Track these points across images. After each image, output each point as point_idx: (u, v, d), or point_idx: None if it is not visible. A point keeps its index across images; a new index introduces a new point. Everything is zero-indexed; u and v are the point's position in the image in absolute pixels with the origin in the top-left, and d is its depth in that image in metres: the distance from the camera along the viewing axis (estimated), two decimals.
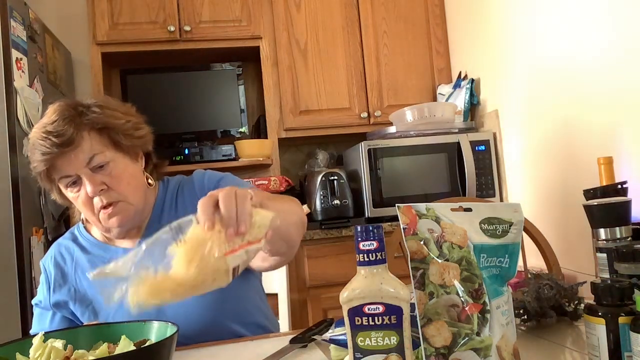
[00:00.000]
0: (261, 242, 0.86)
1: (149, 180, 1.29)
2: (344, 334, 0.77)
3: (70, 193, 1.18)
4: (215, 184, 1.27)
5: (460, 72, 2.98)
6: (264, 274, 1.50)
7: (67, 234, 1.34)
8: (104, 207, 1.16)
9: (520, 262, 1.07)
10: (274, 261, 1.18)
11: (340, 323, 0.90)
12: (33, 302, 1.30)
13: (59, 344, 0.83)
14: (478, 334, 0.68)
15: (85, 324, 1.22)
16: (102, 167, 1.16)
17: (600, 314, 0.72)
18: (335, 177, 2.69)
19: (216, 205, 0.83)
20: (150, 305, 0.78)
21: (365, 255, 0.66)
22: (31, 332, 1.28)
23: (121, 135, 1.19)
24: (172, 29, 2.76)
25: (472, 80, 2.85)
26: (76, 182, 1.16)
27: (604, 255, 1.03)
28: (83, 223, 1.34)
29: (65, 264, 1.27)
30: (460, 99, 2.86)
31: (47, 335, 0.85)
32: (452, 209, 0.73)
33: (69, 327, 1.14)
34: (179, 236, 0.81)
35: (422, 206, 0.73)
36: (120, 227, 1.20)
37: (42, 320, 1.27)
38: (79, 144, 1.13)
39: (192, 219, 0.83)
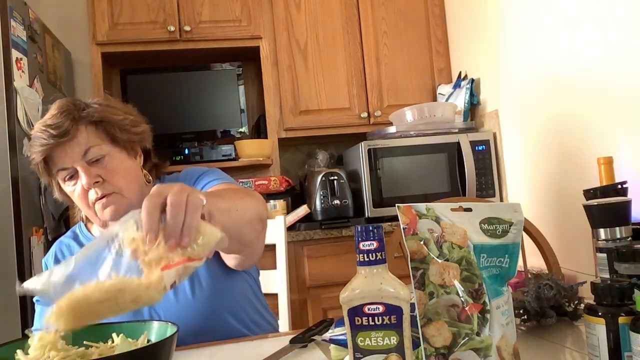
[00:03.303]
0: (202, 260, 0.79)
1: (147, 178, 1.29)
2: (344, 334, 0.77)
3: (67, 187, 1.20)
4: (195, 180, 1.27)
5: (460, 72, 2.98)
6: (263, 273, 1.51)
7: (68, 233, 1.36)
8: (99, 199, 1.17)
9: (520, 262, 1.07)
10: (234, 260, 1.19)
11: (340, 323, 0.90)
12: (34, 299, 1.31)
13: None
14: (478, 334, 0.68)
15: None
16: (98, 161, 1.18)
17: (600, 314, 0.72)
18: (335, 177, 2.69)
19: (163, 209, 0.78)
20: (75, 327, 0.73)
21: (365, 255, 0.66)
22: (32, 328, 1.29)
23: (117, 129, 1.21)
24: (172, 29, 2.76)
25: (472, 80, 2.85)
26: (73, 176, 1.18)
27: (604, 255, 1.02)
28: (84, 222, 1.35)
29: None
30: (460, 99, 2.86)
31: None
32: (452, 209, 0.73)
33: None
34: (115, 244, 0.76)
35: (422, 206, 0.72)
36: (114, 220, 1.20)
37: (43, 316, 1.28)
38: (75, 136, 1.16)
39: (133, 224, 0.77)
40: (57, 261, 1.29)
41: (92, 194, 1.17)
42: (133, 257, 0.77)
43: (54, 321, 0.73)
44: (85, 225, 1.35)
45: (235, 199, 1.02)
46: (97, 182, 1.16)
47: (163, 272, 0.75)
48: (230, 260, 1.20)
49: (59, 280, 0.74)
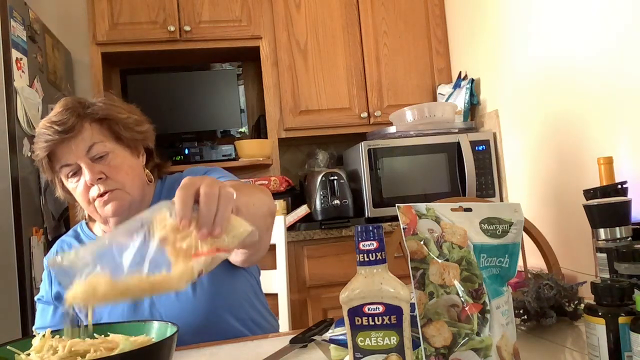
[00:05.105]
0: (230, 252, 0.80)
1: (149, 177, 1.30)
2: (344, 334, 0.77)
3: (70, 184, 1.20)
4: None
5: (460, 72, 2.98)
6: (263, 273, 1.51)
7: (70, 232, 1.37)
8: (100, 195, 1.18)
9: (520, 262, 1.07)
10: (242, 255, 1.19)
11: (340, 323, 0.90)
12: (36, 298, 1.33)
13: (57, 341, 0.83)
14: (478, 334, 0.68)
15: (85, 323, 1.23)
16: (101, 158, 1.19)
17: (600, 314, 0.72)
18: (335, 177, 2.69)
19: (196, 200, 0.80)
20: (88, 304, 0.75)
21: (365, 255, 0.66)
22: (34, 327, 1.30)
23: (121, 127, 1.22)
24: (172, 29, 2.76)
25: (472, 80, 2.85)
26: (76, 173, 1.19)
27: (604, 255, 1.02)
28: (86, 220, 1.35)
29: None
30: (460, 99, 2.86)
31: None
32: (452, 209, 0.73)
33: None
34: (145, 230, 0.77)
35: (422, 206, 0.72)
36: (115, 216, 1.21)
37: (44, 315, 1.29)
38: (80, 132, 1.17)
39: (166, 211, 0.79)
40: None
41: (95, 191, 1.17)
42: (162, 245, 0.78)
43: (77, 298, 0.75)
44: (87, 224, 1.35)
45: (250, 194, 1.04)
46: (100, 178, 1.17)
47: (192, 259, 0.76)
48: (238, 255, 1.20)
49: (87, 258, 0.76)
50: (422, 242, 0.71)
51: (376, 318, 0.65)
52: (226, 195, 0.81)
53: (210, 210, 0.79)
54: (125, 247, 0.77)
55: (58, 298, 1.27)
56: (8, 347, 0.81)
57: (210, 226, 0.78)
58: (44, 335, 0.83)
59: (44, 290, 1.29)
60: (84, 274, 0.75)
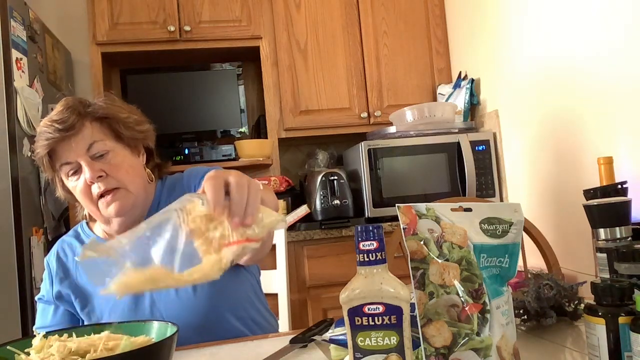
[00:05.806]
0: (259, 242, 0.82)
1: (150, 177, 1.30)
2: (344, 334, 0.77)
3: (70, 182, 1.20)
4: (201, 178, 1.28)
5: (460, 72, 2.98)
6: (263, 273, 1.51)
7: (70, 232, 1.36)
8: (103, 195, 1.18)
9: (520, 262, 1.07)
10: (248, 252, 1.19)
11: (340, 323, 0.90)
12: (36, 297, 1.33)
13: (57, 343, 0.83)
14: (478, 334, 0.68)
15: (86, 323, 1.23)
16: (102, 156, 1.19)
17: (600, 314, 0.72)
18: (335, 177, 2.69)
19: (225, 190, 0.81)
20: (133, 292, 0.76)
21: (365, 255, 0.66)
22: (35, 327, 1.30)
23: (122, 126, 1.23)
24: (172, 29, 2.76)
25: (472, 80, 2.85)
26: (76, 171, 1.19)
27: (604, 255, 1.02)
28: (86, 220, 1.35)
29: (67, 260, 1.30)
30: (460, 99, 2.86)
31: (47, 334, 0.85)
32: (452, 209, 0.73)
33: (69, 327, 1.15)
34: (182, 218, 0.78)
35: (422, 206, 0.73)
36: (119, 216, 1.21)
37: (44, 315, 1.29)
38: (80, 131, 1.17)
39: (197, 200, 0.79)
40: (59, 260, 1.29)
41: (95, 189, 1.17)
42: (192, 236, 0.78)
43: (113, 290, 0.76)
44: (87, 224, 1.35)
45: (267, 194, 1.04)
46: (100, 176, 1.17)
47: (224, 249, 0.77)
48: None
49: (124, 246, 0.77)
50: (422, 242, 0.71)
51: (376, 318, 0.65)
52: (255, 185, 0.83)
53: (243, 199, 0.80)
54: (154, 240, 0.77)
55: (59, 297, 1.27)
56: (8, 347, 0.81)
57: (242, 215, 0.80)
58: (44, 335, 0.83)
59: (45, 289, 1.29)
60: (121, 266, 0.76)
